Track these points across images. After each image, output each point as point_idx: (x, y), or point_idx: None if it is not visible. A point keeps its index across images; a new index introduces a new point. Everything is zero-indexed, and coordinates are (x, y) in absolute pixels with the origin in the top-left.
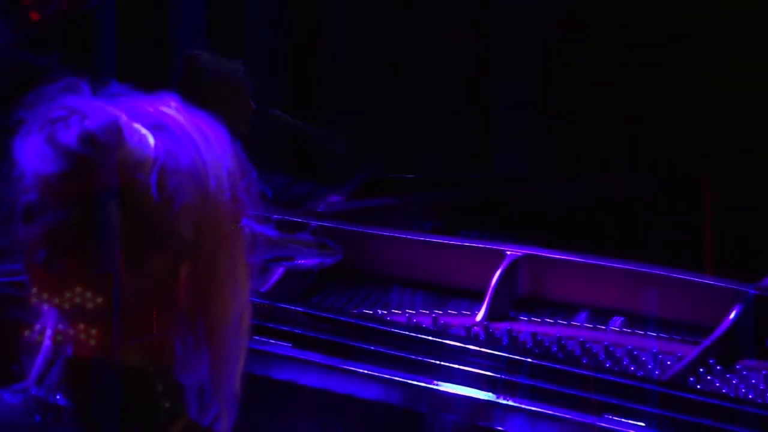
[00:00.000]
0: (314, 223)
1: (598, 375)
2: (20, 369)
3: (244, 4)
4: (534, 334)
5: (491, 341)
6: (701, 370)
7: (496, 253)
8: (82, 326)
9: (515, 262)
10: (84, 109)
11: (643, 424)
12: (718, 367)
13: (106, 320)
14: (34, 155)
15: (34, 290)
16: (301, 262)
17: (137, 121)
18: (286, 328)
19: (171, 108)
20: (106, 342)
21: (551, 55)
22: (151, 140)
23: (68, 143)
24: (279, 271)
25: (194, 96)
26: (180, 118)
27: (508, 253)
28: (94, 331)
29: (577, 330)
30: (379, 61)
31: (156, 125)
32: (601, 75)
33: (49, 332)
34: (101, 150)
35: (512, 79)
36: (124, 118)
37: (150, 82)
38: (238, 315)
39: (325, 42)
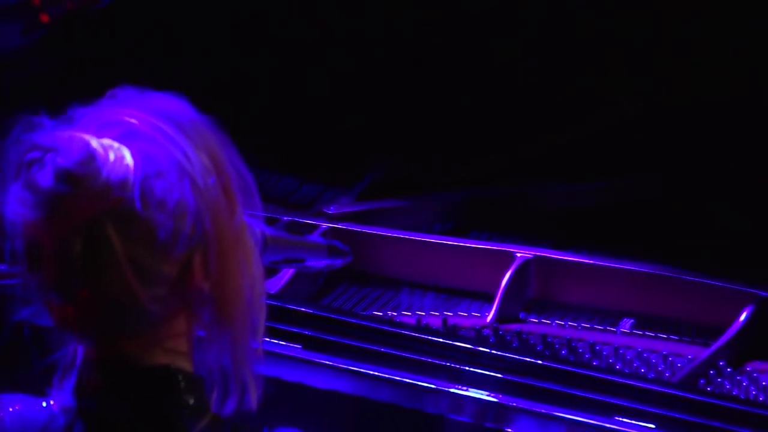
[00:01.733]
0: (324, 224)
1: (608, 377)
2: (44, 375)
3: None
4: (544, 336)
5: (501, 343)
6: (711, 372)
7: (506, 255)
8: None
9: (525, 264)
10: (53, 144)
11: (653, 426)
12: (729, 369)
13: (129, 333)
14: (17, 204)
15: (59, 325)
16: (310, 263)
17: (107, 135)
18: (296, 330)
19: (132, 106)
20: (130, 350)
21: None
22: (127, 154)
23: (46, 185)
24: (289, 273)
25: None
26: (145, 115)
27: (518, 254)
28: (116, 342)
29: (587, 332)
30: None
31: (125, 133)
32: (612, 71)
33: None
34: (80, 183)
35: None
36: (93, 141)
37: None
38: (251, 285)
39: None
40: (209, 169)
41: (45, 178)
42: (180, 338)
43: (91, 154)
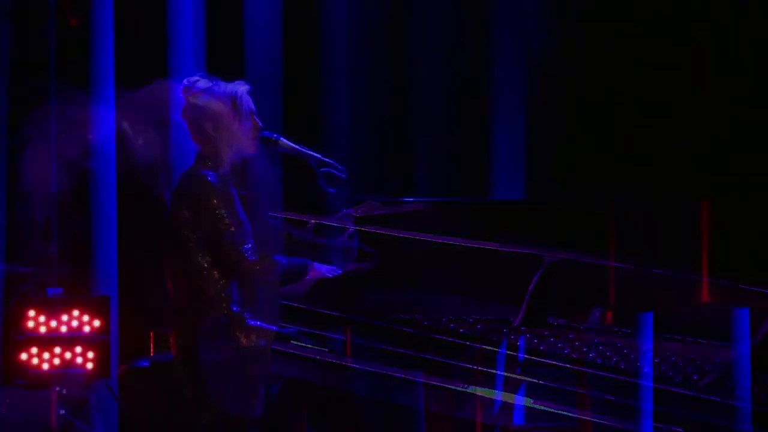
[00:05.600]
0: (352, 227)
1: (636, 380)
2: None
3: (242, 31)
4: (571, 340)
5: (528, 347)
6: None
7: (534, 259)
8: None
9: (553, 267)
10: (85, 119)
11: (680, 429)
12: (756, 373)
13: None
14: (42, 174)
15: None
16: (333, 270)
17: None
18: (324, 334)
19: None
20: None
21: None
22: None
23: (74, 158)
24: (317, 278)
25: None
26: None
27: (546, 258)
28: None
29: (615, 336)
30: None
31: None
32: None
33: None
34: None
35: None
36: (125, 123)
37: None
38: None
39: (322, 66)
40: None
41: (73, 150)
42: (186, 328)
43: (124, 131)
